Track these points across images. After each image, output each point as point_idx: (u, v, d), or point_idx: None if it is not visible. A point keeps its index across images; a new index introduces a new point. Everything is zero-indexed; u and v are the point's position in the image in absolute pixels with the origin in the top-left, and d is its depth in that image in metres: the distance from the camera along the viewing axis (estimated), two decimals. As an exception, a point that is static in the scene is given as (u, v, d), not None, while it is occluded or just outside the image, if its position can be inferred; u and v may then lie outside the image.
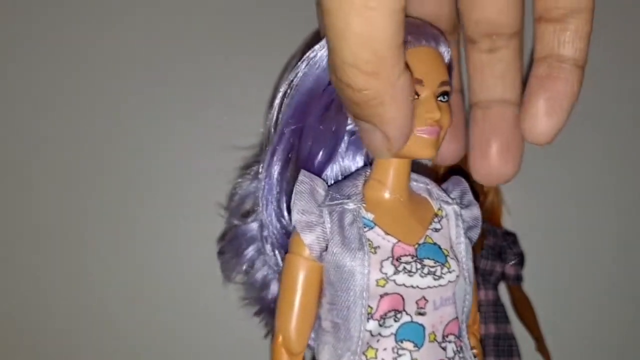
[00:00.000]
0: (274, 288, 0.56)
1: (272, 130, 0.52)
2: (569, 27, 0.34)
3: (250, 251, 0.56)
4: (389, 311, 0.47)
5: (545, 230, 1.29)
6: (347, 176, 0.51)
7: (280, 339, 0.48)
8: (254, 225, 0.55)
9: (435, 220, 0.51)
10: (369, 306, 0.47)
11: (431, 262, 0.48)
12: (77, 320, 1.23)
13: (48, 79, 1.22)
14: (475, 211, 0.55)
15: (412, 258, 0.47)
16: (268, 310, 0.58)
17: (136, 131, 1.23)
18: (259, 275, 0.56)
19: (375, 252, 0.47)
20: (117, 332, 1.23)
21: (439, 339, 0.48)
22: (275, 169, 0.51)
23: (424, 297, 0.47)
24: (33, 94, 1.22)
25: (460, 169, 1.24)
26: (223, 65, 1.22)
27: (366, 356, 0.47)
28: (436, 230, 0.51)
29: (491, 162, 0.43)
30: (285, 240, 0.52)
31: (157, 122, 1.23)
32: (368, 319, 0.47)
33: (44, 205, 1.23)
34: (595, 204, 1.31)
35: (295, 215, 0.47)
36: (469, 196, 0.55)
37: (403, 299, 0.47)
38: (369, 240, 0.47)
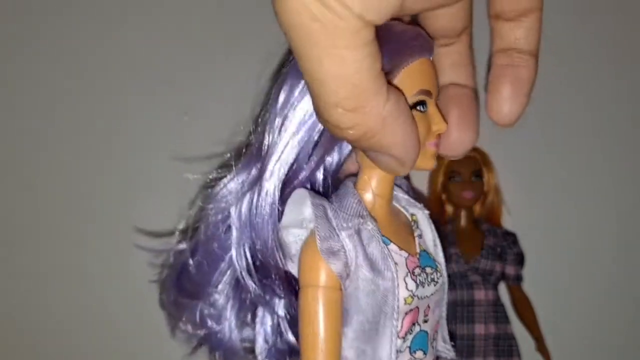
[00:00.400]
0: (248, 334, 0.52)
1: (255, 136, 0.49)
2: (524, 25, 0.38)
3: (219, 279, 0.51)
4: (411, 325, 0.46)
5: (545, 230, 1.29)
6: (333, 190, 0.48)
7: None
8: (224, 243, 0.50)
9: (415, 226, 0.50)
10: (397, 325, 0.45)
11: (430, 270, 0.48)
12: (77, 320, 1.23)
13: (40, 81, 1.23)
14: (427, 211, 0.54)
15: (420, 269, 0.47)
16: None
17: (137, 131, 1.24)
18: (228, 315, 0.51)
19: (397, 270, 0.45)
20: (116, 332, 1.23)
21: (431, 340, 0.48)
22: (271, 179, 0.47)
23: (428, 305, 0.47)
24: (25, 96, 1.23)
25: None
26: (223, 65, 1.22)
27: None
28: (420, 236, 0.50)
29: (451, 131, 0.45)
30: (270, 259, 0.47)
31: (157, 123, 1.23)
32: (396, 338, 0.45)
33: (41, 205, 1.23)
34: (595, 204, 1.31)
35: (319, 243, 0.43)
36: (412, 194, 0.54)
37: (418, 310, 0.46)
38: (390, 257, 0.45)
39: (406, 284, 0.45)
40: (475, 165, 1.18)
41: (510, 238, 1.20)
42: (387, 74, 0.39)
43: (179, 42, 1.23)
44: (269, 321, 0.50)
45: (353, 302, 0.44)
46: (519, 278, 1.20)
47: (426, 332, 0.47)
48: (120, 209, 1.22)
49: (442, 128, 0.44)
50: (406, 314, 0.45)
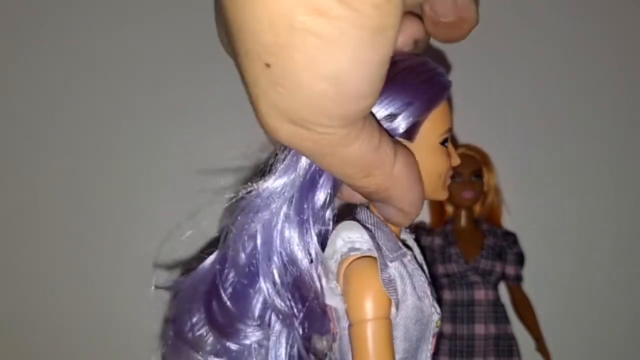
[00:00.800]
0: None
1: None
2: None
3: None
4: (435, 346, 0.48)
5: (545, 230, 1.29)
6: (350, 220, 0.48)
7: None
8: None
9: (410, 251, 0.51)
10: (431, 349, 0.47)
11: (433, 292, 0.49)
12: (77, 321, 1.23)
13: (41, 81, 1.23)
14: None
15: (431, 290, 0.48)
16: None
17: (138, 134, 1.24)
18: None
19: (428, 296, 0.47)
20: (116, 332, 1.23)
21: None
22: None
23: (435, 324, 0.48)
24: (26, 96, 1.23)
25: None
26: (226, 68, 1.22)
27: None
28: (415, 258, 0.50)
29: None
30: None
31: (160, 125, 1.23)
32: None
33: (41, 206, 1.23)
34: (595, 204, 1.31)
35: (380, 274, 0.43)
36: None
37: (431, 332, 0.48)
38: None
39: (435, 307, 0.47)
40: (475, 165, 1.18)
41: (510, 238, 1.20)
42: (420, 117, 0.43)
43: (181, 41, 1.23)
44: (283, 344, 0.46)
45: (401, 331, 0.44)
46: (519, 278, 1.20)
47: (430, 349, 0.48)
48: (122, 210, 1.23)
49: (457, 161, 0.47)
50: (433, 335, 0.47)
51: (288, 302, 0.43)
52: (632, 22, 1.30)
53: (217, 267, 0.44)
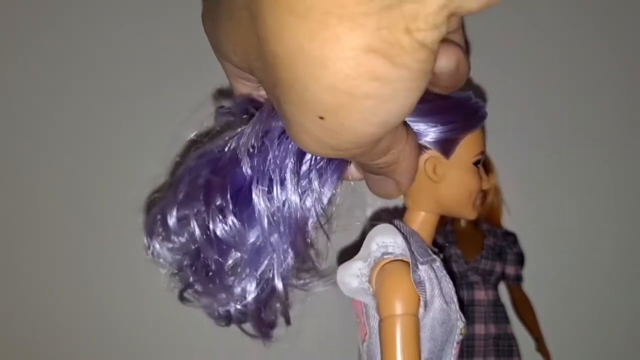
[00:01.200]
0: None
1: None
2: None
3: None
4: (459, 353, 0.50)
5: (545, 230, 1.29)
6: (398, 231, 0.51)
7: None
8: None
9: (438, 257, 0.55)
10: (455, 354, 0.49)
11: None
12: (77, 320, 1.23)
13: (44, 80, 1.23)
14: None
15: (457, 298, 0.50)
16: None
17: (136, 132, 1.24)
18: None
19: (453, 302, 0.50)
20: (115, 332, 1.23)
21: None
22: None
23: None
24: (28, 96, 1.23)
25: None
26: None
27: None
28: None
29: None
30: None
31: (156, 123, 1.23)
32: None
33: (39, 205, 1.23)
34: (595, 204, 1.31)
35: (411, 274, 0.46)
36: None
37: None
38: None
39: (460, 315, 0.49)
40: (475, 165, 1.18)
41: (510, 238, 1.20)
42: (458, 135, 0.49)
43: (185, 39, 1.23)
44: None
45: (428, 331, 0.47)
46: (519, 278, 1.20)
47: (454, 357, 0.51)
48: (122, 211, 1.23)
49: (487, 185, 0.52)
50: (458, 343, 0.49)
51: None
52: (632, 22, 1.30)
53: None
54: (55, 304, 1.23)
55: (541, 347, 1.18)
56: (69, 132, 1.24)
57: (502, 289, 1.21)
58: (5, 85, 1.22)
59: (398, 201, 0.70)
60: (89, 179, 1.23)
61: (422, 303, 0.45)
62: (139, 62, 1.23)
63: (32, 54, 1.22)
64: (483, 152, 0.51)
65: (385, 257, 0.47)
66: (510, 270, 1.18)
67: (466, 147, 0.50)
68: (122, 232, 1.23)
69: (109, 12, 1.24)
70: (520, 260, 1.19)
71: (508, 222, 1.24)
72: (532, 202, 1.29)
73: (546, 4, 1.29)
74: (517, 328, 1.18)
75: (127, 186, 1.23)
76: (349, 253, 0.50)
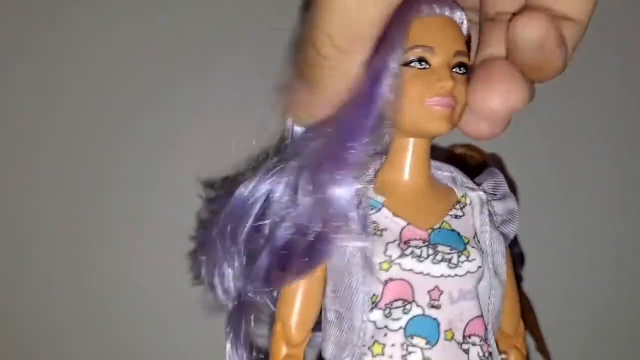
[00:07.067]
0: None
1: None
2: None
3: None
4: (396, 300, 0.44)
5: (546, 230, 1.29)
6: None
7: (279, 327, 0.46)
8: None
9: (457, 206, 0.49)
10: (373, 294, 0.44)
11: (446, 249, 0.45)
12: (78, 321, 1.24)
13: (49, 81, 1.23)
14: (511, 204, 0.53)
15: (424, 242, 0.45)
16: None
17: (137, 132, 1.24)
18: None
19: (382, 235, 0.45)
20: (115, 332, 1.23)
21: (459, 338, 0.45)
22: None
23: (437, 287, 0.44)
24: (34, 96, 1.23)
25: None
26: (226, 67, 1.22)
27: (372, 352, 0.44)
28: (457, 217, 0.48)
29: (474, 94, 0.45)
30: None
31: (158, 124, 1.23)
32: (372, 307, 0.44)
33: (38, 205, 1.24)
34: (595, 204, 1.31)
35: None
36: (504, 188, 0.53)
37: (412, 287, 0.44)
38: (374, 222, 0.45)
39: (386, 249, 0.45)
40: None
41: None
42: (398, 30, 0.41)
43: (190, 38, 1.23)
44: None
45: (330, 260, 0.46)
46: (519, 278, 1.20)
47: (435, 319, 0.45)
48: (123, 212, 1.23)
49: (448, 84, 0.43)
50: (386, 282, 0.44)
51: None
52: (632, 22, 1.30)
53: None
54: (55, 304, 1.23)
55: (541, 347, 1.18)
56: (71, 132, 1.24)
57: (502, 289, 1.21)
58: (6, 85, 1.22)
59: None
60: (90, 179, 1.24)
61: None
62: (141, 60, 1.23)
63: (39, 54, 1.23)
64: (423, 47, 0.44)
65: None
66: (510, 270, 1.18)
67: (405, 48, 0.43)
68: (122, 232, 1.24)
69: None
70: (520, 260, 1.19)
71: (508, 222, 1.24)
72: (532, 202, 1.28)
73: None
74: (517, 328, 1.18)
75: (129, 187, 1.24)
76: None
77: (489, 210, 0.49)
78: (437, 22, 0.44)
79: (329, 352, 0.45)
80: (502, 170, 1.19)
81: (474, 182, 0.52)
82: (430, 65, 0.44)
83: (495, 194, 0.52)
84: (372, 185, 0.47)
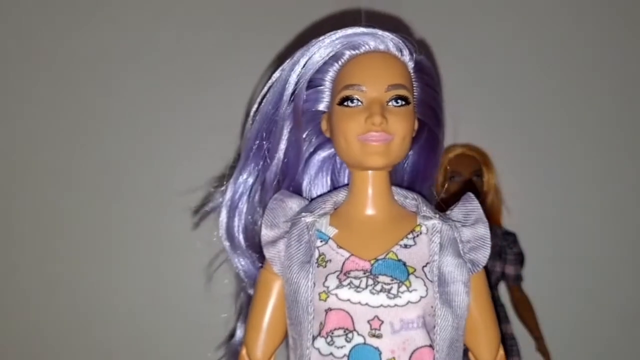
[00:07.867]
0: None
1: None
2: None
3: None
4: (337, 328, 0.45)
5: (545, 230, 1.29)
6: (331, 190, 0.53)
7: (244, 351, 0.50)
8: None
9: (410, 236, 0.48)
10: (320, 322, 0.46)
11: (387, 279, 0.45)
12: (78, 322, 1.24)
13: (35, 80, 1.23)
14: (481, 230, 0.50)
15: (364, 273, 0.45)
16: None
17: (134, 132, 1.24)
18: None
19: (325, 266, 0.46)
20: (115, 333, 1.23)
21: None
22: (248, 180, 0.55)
23: (377, 317, 0.45)
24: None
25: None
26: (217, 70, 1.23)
27: None
28: (406, 246, 0.48)
29: None
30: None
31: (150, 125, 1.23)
32: (316, 336, 0.46)
33: (39, 205, 1.24)
34: (595, 204, 1.31)
35: (262, 230, 0.48)
36: (477, 214, 0.51)
37: (351, 316, 0.45)
38: (322, 254, 0.47)
39: (325, 279, 0.46)
40: (475, 165, 1.18)
41: (510, 238, 1.20)
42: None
43: (190, 39, 1.23)
44: None
45: (284, 289, 0.48)
46: (519, 278, 1.20)
47: (376, 348, 0.45)
48: (115, 210, 1.23)
49: (376, 120, 0.44)
50: (326, 311, 0.45)
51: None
52: (632, 22, 1.30)
53: None
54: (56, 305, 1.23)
55: (541, 347, 1.18)
56: (67, 130, 1.24)
57: (502, 289, 1.21)
58: (6, 85, 1.22)
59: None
60: (91, 180, 1.23)
61: (277, 260, 0.49)
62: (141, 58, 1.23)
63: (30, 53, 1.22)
64: (352, 86, 0.45)
65: None
66: (510, 270, 1.18)
67: (336, 91, 0.46)
68: (123, 233, 1.24)
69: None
70: (520, 260, 1.19)
71: (508, 222, 1.24)
72: (532, 202, 1.29)
73: (547, 3, 1.30)
74: (517, 328, 1.18)
75: (126, 187, 1.24)
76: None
77: (455, 238, 0.49)
78: (371, 58, 0.46)
79: None
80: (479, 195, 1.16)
81: (444, 210, 0.52)
82: (362, 102, 0.45)
83: (466, 221, 0.51)
84: (327, 218, 0.49)
